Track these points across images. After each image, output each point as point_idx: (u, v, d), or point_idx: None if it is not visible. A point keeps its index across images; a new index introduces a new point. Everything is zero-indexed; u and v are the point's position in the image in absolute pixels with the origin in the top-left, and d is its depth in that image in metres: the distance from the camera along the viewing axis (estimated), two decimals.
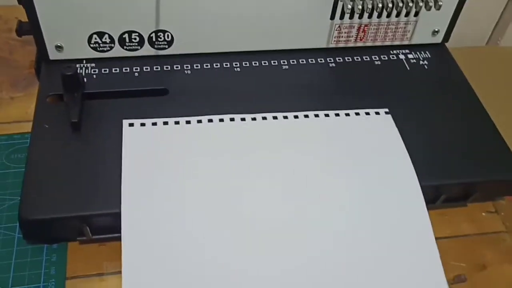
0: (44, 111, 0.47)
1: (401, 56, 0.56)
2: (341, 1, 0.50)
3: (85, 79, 0.49)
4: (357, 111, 0.49)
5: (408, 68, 0.54)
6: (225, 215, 0.41)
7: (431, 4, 0.49)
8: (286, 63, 0.54)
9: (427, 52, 0.56)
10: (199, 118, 0.46)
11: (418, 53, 0.56)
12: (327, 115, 0.48)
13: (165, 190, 0.41)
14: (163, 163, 0.43)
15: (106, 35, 0.50)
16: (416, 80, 0.53)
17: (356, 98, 0.50)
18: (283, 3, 0.50)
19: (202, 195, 0.41)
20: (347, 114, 0.49)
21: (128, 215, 0.39)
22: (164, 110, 0.47)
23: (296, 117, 0.48)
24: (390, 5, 0.48)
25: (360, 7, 0.47)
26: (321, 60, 0.54)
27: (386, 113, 0.49)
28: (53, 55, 0.50)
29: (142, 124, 0.45)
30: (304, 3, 0.50)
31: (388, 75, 0.54)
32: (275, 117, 0.48)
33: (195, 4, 0.48)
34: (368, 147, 0.46)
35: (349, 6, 0.48)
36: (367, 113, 0.49)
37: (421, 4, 0.49)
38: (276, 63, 0.53)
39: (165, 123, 0.46)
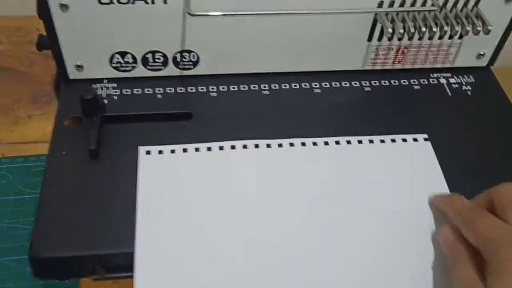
0: (61, 135, 0.44)
1: (442, 80, 0.52)
2: (380, 23, 0.46)
3: (105, 101, 0.47)
4: (393, 137, 0.45)
5: (450, 94, 0.50)
6: (243, 242, 0.38)
7: (479, 28, 0.45)
8: (318, 86, 0.50)
9: (470, 76, 0.52)
10: (221, 144, 0.43)
11: (460, 77, 0.52)
12: (360, 142, 0.45)
13: (182, 227, 0.38)
14: (181, 196, 0.40)
15: (129, 55, 0.47)
16: (458, 106, 0.49)
17: (393, 124, 0.47)
18: (317, 23, 0.46)
19: (220, 232, 0.38)
20: (382, 141, 0.45)
21: (142, 254, 0.36)
22: (187, 136, 0.44)
23: (326, 143, 0.45)
24: (434, 28, 0.44)
25: (401, 30, 0.44)
26: (355, 84, 0.51)
27: (425, 139, 0.45)
28: (73, 74, 0.48)
29: (160, 152, 0.42)
30: (340, 24, 0.47)
31: (428, 100, 0.50)
32: (303, 144, 0.44)
33: (222, 25, 0.45)
34: (404, 174, 0.43)
35: (390, 30, 0.44)
36: (404, 140, 0.45)
37: (468, 28, 0.45)
38: (308, 86, 0.50)
39: (185, 150, 0.43)
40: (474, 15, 0.46)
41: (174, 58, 0.48)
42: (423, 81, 0.51)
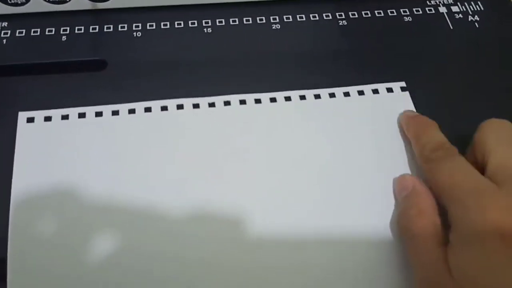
0: None
1: (442, 9, 0.39)
2: None
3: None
4: (360, 87, 0.34)
5: (452, 27, 0.38)
6: None
7: None
8: (277, 20, 0.38)
9: (479, 3, 0.40)
10: (131, 106, 0.32)
11: (466, 4, 0.40)
12: (317, 96, 0.33)
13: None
14: (71, 180, 0.29)
15: None
16: (462, 46, 0.37)
17: (376, 72, 0.35)
18: None
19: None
20: (346, 93, 0.34)
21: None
22: (97, 93, 0.33)
23: (288, 98, 0.33)
24: None
25: None
26: (327, 16, 0.38)
27: (402, 88, 0.34)
28: None
29: (48, 118, 0.31)
30: None
31: (422, 36, 0.38)
32: (257, 100, 0.33)
33: None
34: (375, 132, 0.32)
35: None
36: (375, 91, 0.34)
37: None
38: (264, 21, 0.38)
39: (81, 115, 0.31)
40: None
41: None
42: (417, 10, 0.39)
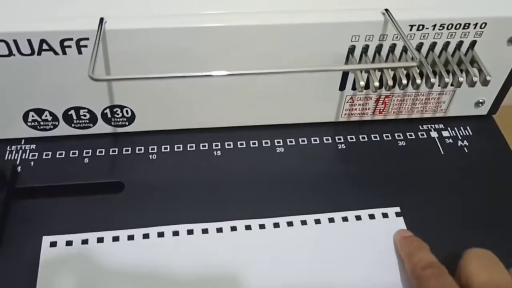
0: None
1: (433, 134, 0.43)
2: (352, 72, 0.37)
3: (19, 168, 0.38)
4: (358, 213, 0.37)
5: (442, 152, 0.41)
6: None
7: (475, 78, 0.36)
8: (281, 143, 0.41)
9: (467, 128, 0.43)
10: (146, 231, 0.35)
11: (455, 129, 0.43)
12: (318, 221, 0.36)
13: None
14: None
15: (47, 112, 0.38)
16: (452, 170, 0.40)
17: (371, 195, 0.38)
18: (274, 76, 0.37)
19: None
20: (345, 219, 0.36)
21: None
22: (113, 216, 0.36)
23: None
24: (418, 80, 0.35)
25: (377, 84, 0.35)
26: (327, 140, 0.42)
27: (397, 214, 0.37)
28: None
29: (69, 243, 0.34)
30: (304, 75, 0.38)
31: (415, 160, 0.41)
32: (261, 226, 0.36)
33: (157, 82, 0.36)
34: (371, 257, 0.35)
35: (362, 84, 0.35)
36: (372, 216, 0.36)
37: (461, 79, 0.36)
38: (268, 144, 0.41)
39: (100, 239, 0.34)
40: (469, 60, 0.37)
41: (104, 114, 0.39)
42: (410, 135, 0.42)
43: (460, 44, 0.37)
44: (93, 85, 0.36)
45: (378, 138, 0.42)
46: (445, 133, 0.43)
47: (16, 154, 0.39)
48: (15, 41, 0.33)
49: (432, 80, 0.35)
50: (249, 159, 0.40)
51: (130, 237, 0.34)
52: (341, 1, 0.36)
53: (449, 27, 0.36)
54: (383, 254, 0.34)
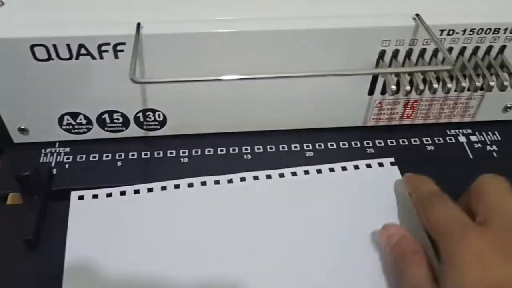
0: None
1: (462, 139, 0.43)
2: (382, 76, 0.38)
3: (54, 171, 0.39)
4: (356, 163, 0.39)
5: (471, 156, 0.41)
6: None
7: (506, 82, 0.36)
8: (310, 147, 0.42)
9: (496, 133, 0.43)
10: (152, 185, 0.38)
11: (484, 134, 0.43)
12: (319, 171, 0.39)
13: None
14: (118, 248, 0.34)
15: (81, 116, 0.39)
16: (481, 174, 0.40)
17: None
18: (303, 80, 0.38)
19: None
20: (344, 168, 0.39)
21: None
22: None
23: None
24: (449, 84, 0.36)
25: (407, 87, 0.35)
26: (356, 144, 0.42)
27: (391, 163, 0.39)
28: (17, 138, 0.40)
29: (95, 196, 0.37)
30: (334, 79, 0.38)
31: (444, 165, 0.41)
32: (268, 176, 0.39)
33: (190, 85, 0.37)
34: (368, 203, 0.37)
35: (393, 87, 0.35)
36: (369, 165, 0.39)
37: (491, 83, 0.36)
38: (298, 148, 0.42)
39: (123, 193, 0.37)
40: (499, 64, 0.37)
41: (136, 118, 0.40)
42: (438, 140, 0.43)
43: (489, 48, 0.37)
44: (127, 89, 0.37)
45: (407, 143, 0.42)
46: (473, 138, 0.43)
47: (51, 157, 0.40)
48: (54, 46, 0.34)
49: (463, 84, 0.35)
50: (278, 163, 0.40)
51: (150, 190, 0.37)
52: (371, 6, 0.36)
53: (479, 32, 0.36)
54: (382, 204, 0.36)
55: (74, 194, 0.37)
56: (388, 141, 0.42)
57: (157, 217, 0.36)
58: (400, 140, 0.42)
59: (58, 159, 0.40)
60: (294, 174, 0.39)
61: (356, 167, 0.39)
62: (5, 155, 0.41)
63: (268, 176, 0.38)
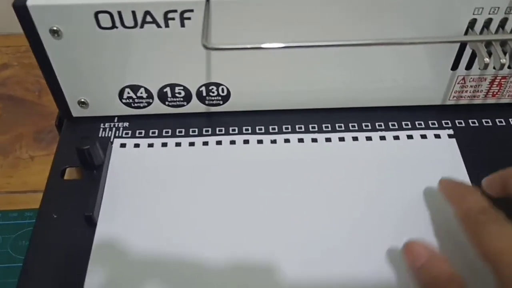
0: (56, 191, 0.35)
1: None
2: (471, 48, 0.34)
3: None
4: (410, 132, 0.37)
5: None
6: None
7: None
8: (382, 127, 0.39)
9: None
10: (198, 139, 0.38)
11: None
12: (369, 138, 0.37)
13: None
14: (155, 196, 0.34)
15: (142, 89, 0.37)
16: None
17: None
18: (378, 49, 0.35)
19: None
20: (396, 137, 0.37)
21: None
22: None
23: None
24: None
25: (503, 60, 0.31)
26: (433, 124, 0.39)
27: (449, 136, 0.37)
28: (76, 111, 0.39)
29: (136, 145, 0.37)
30: (413, 49, 0.35)
31: None
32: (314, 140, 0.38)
33: (259, 54, 0.35)
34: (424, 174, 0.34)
35: (487, 60, 0.32)
36: (424, 136, 0.37)
37: None
38: (369, 127, 0.39)
39: (164, 144, 0.37)
40: None
41: (199, 92, 0.38)
42: None
43: None
44: (192, 60, 0.35)
45: (491, 123, 0.39)
46: None
47: (110, 132, 0.39)
48: (119, 13, 0.32)
49: None
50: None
51: (191, 144, 0.37)
52: None
53: None
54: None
55: (117, 142, 0.37)
56: (470, 121, 0.39)
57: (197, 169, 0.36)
58: (484, 121, 0.39)
59: (117, 134, 0.39)
60: (341, 139, 0.37)
61: (410, 136, 0.36)
62: (63, 130, 0.39)
63: (328, 139, 0.37)
